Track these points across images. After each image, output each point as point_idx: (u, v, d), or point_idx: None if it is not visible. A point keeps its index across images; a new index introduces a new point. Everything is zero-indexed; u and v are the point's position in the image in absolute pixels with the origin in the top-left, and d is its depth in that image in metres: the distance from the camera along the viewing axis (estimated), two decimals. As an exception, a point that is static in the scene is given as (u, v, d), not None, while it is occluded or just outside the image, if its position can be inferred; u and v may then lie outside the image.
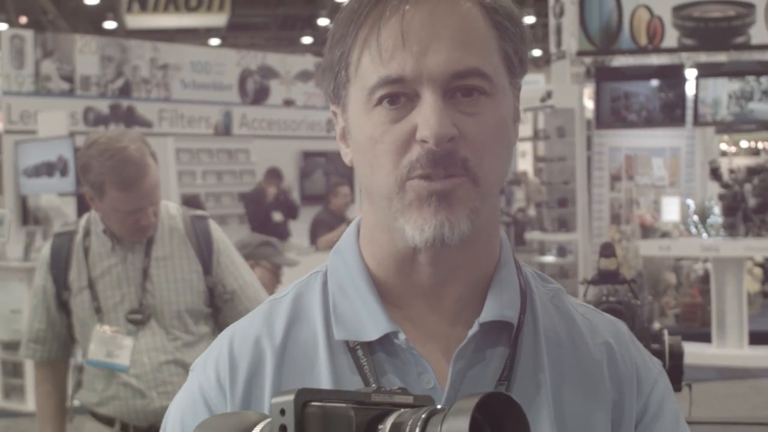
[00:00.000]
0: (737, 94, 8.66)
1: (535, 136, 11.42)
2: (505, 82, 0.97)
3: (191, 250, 2.59)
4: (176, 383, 2.49)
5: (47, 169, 7.65)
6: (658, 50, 8.80)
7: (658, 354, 1.95)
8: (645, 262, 8.97)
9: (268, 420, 0.76)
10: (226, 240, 2.68)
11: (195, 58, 11.77)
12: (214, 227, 2.67)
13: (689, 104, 8.71)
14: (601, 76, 8.86)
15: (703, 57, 8.81)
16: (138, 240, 2.54)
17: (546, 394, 0.98)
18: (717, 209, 8.62)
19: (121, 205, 2.45)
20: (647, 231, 9.05)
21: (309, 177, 12.38)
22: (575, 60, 9.01)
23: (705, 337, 8.11)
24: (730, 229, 8.30)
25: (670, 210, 9.10)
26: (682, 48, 8.73)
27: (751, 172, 10.13)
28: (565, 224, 9.36)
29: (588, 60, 8.96)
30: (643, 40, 8.76)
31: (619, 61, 8.98)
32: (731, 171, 12.76)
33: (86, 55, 10.70)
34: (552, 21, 9.58)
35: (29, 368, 6.32)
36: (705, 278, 9.01)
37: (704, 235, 8.51)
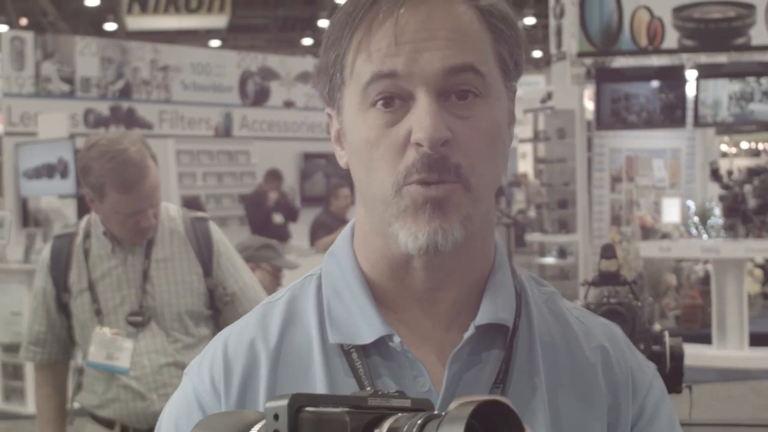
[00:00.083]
0: (737, 95, 8.65)
1: (536, 138, 11.41)
2: (500, 84, 0.97)
3: (191, 252, 2.59)
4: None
5: (47, 171, 7.65)
6: (658, 51, 8.78)
7: (659, 356, 1.94)
8: (645, 264, 8.96)
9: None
10: (226, 242, 2.68)
11: (195, 60, 11.77)
12: (215, 229, 2.66)
13: (689, 105, 8.70)
14: (602, 77, 8.85)
15: (704, 58, 8.79)
16: (138, 242, 2.54)
17: (541, 398, 0.98)
18: (717, 210, 8.61)
19: (122, 207, 2.44)
20: (648, 232, 9.04)
21: (309, 178, 12.38)
22: (575, 61, 9.00)
23: (705, 339, 8.09)
24: (731, 231, 8.29)
25: (671, 211, 9.09)
26: (682, 49, 8.72)
27: (752, 173, 10.11)
28: (565, 226, 9.36)
29: (588, 61, 8.95)
30: (644, 41, 8.75)
31: (620, 62, 8.97)
32: (729, 173, 12.73)
33: (86, 56, 10.69)
34: (552, 22, 9.57)
35: (29, 371, 6.32)
36: (705, 280, 8.99)
37: (705, 236, 8.50)
